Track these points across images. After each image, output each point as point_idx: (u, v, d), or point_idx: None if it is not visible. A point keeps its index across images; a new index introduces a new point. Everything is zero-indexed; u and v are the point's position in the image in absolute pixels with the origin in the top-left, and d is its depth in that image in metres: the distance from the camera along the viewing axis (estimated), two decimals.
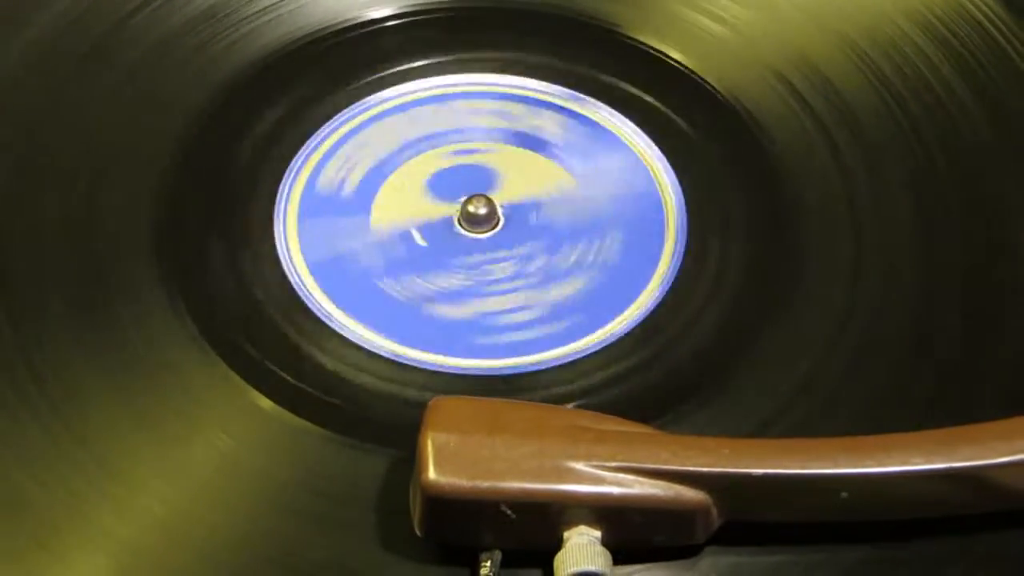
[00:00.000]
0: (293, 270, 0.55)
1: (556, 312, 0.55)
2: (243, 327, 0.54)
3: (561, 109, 0.61)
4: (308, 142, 0.59)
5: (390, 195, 0.58)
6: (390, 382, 0.53)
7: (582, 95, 0.61)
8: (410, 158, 0.59)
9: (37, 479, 0.49)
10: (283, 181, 0.58)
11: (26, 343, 0.52)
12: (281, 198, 0.57)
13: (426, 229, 0.57)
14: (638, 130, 0.60)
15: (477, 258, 0.56)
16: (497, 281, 0.56)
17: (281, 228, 0.57)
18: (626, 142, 0.59)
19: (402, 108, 0.61)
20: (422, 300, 0.55)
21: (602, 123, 0.60)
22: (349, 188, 0.58)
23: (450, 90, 0.61)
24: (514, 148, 0.59)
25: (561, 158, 0.59)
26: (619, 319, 0.54)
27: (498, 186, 0.58)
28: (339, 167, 0.58)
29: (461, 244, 0.57)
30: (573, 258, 0.56)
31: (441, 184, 0.58)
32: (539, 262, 0.56)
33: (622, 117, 0.60)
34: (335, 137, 0.59)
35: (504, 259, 0.56)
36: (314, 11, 0.63)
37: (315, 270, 0.55)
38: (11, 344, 0.52)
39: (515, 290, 0.55)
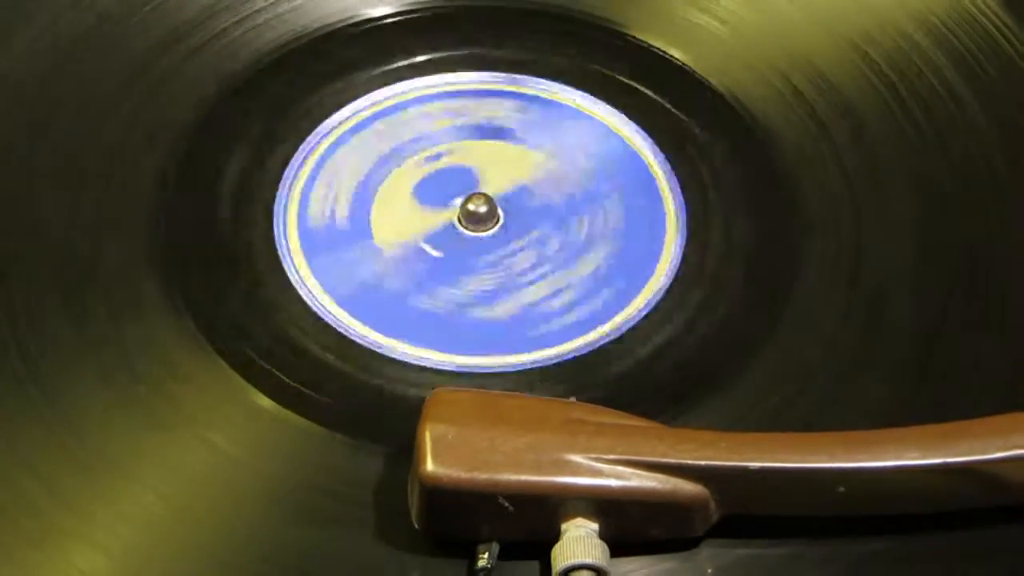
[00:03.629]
0: (320, 306, 0.55)
1: (596, 284, 0.55)
2: (243, 326, 0.54)
3: (506, 94, 0.61)
4: (283, 176, 0.59)
5: (384, 214, 0.58)
6: (375, 374, 0.53)
7: (519, 76, 0.61)
8: (387, 174, 0.59)
9: (36, 478, 0.49)
10: (276, 201, 0.58)
11: (26, 342, 0.52)
12: (278, 221, 0.57)
13: (434, 239, 0.57)
14: (589, 96, 0.61)
15: (496, 255, 0.56)
16: (524, 272, 0.56)
17: (284, 244, 0.57)
18: (583, 111, 0.60)
19: (360, 127, 0.60)
20: (461, 307, 0.55)
21: (552, 99, 0.60)
22: (341, 217, 0.57)
23: (397, 99, 0.61)
24: (479, 141, 0.60)
25: (527, 140, 0.60)
26: (649, 285, 0.55)
27: (481, 181, 0.58)
28: (323, 197, 0.58)
29: (474, 245, 0.57)
30: (584, 231, 0.57)
31: (428, 192, 0.58)
32: (555, 242, 0.57)
33: (569, 88, 0.61)
34: (307, 169, 0.59)
35: (521, 249, 0.57)
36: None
37: (345, 304, 0.55)
38: (11, 343, 0.52)
39: (546, 275, 0.56)
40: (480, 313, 0.55)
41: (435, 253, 0.56)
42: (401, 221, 0.57)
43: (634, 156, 0.59)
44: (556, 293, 0.55)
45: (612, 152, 0.59)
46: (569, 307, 0.55)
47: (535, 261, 0.56)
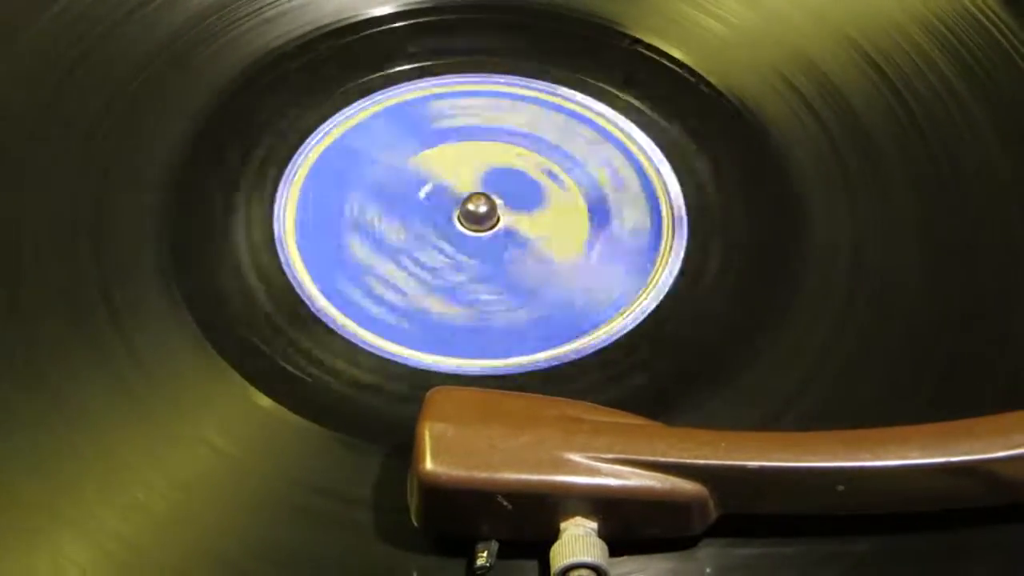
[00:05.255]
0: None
1: (413, 317, 0.55)
2: (242, 325, 0.54)
3: (653, 202, 0.59)
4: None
5: (459, 152, 0.59)
6: (373, 373, 0.53)
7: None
8: (504, 140, 0.60)
9: (36, 477, 0.49)
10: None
11: (25, 340, 0.52)
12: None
13: (437, 193, 0.58)
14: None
15: (435, 240, 0.57)
16: (416, 261, 0.56)
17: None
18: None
19: (516, 98, 0.61)
20: (357, 228, 0.56)
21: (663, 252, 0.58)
22: (443, 124, 0.59)
23: (566, 104, 0.61)
24: (583, 206, 0.58)
25: (601, 250, 0.57)
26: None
27: (543, 202, 0.58)
28: (458, 106, 0.60)
29: (439, 222, 0.57)
30: (484, 297, 0.56)
31: (496, 175, 0.59)
32: (458, 277, 0.56)
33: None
34: (468, 87, 0.61)
35: (441, 252, 0.57)
36: None
37: (305, 188, 0.57)
38: (11, 341, 0.52)
39: (411, 276, 0.56)
40: (352, 242, 0.56)
41: (422, 197, 0.57)
42: (446, 166, 0.58)
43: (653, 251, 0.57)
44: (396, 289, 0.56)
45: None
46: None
47: (433, 265, 0.56)
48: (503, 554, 0.47)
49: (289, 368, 0.53)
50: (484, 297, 0.55)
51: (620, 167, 0.59)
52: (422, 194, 0.58)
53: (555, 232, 0.57)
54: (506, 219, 0.57)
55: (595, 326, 0.54)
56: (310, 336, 0.54)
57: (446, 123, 0.60)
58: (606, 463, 0.46)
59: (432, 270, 0.56)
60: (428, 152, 0.59)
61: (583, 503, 0.46)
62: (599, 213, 0.58)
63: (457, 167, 0.59)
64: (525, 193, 0.58)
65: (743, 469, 0.46)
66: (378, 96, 0.61)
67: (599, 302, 0.55)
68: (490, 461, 0.46)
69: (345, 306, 0.55)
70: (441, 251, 0.56)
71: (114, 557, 0.47)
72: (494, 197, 0.57)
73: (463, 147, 0.60)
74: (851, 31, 0.62)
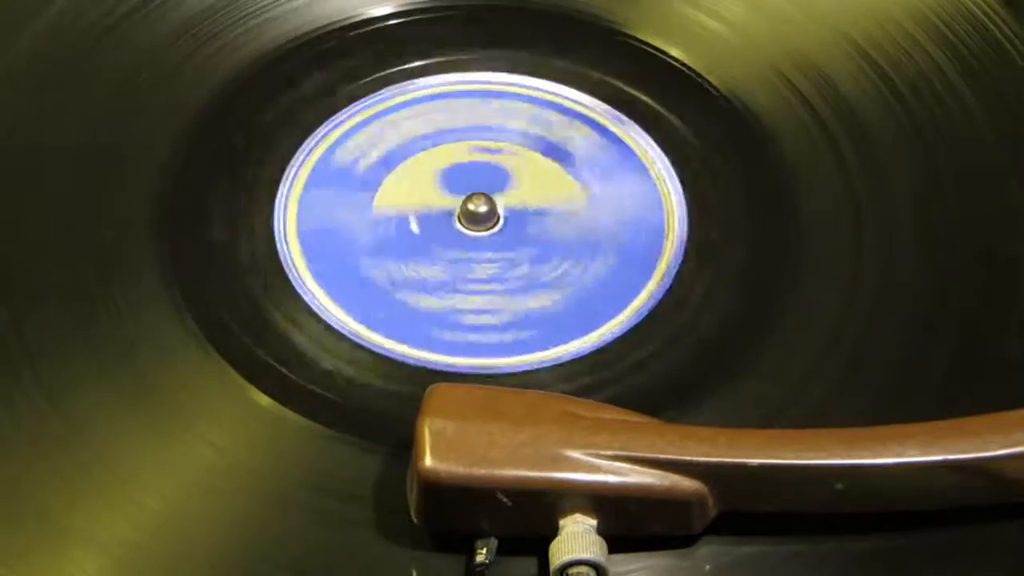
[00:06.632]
0: (283, 236, 0.56)
1: (521, 322, 0.55)
2: (242, 324, 0.54)
3: (596, 125, 0.60)
4: (337, 116, 0.60)
5: (401, 179, 0.58)
6: (369, 372, 0.53)
7: (622, 115, 0.60)
8: (433, 146, 0.59)
9: (35, 476, 0.49)
10: (290, 164, 0.59)
11: (25, 340, 0.52)
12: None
13: (424, 218, 0.57)
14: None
15: (463, 255, 0.56)
16: (475, 281, 0.56)
17: (283, 202, 0.57)
18: (649, 170, 0.59)
19: (439, 97, 0.61)
20: (396, 286, 0.55)
21: (632, 146, 0.60)
22: (364, 165, 0.58)
23: (486, 87, 0.61)
24: (538, 155, 0.59)
25: (581, 174, 0.59)
26: (583, 339, 0.54)
27: (509, 189, 0.58)
28: (361, 143, 0.59)
29: (452, 238, 0.57)
30: (557, 273, 0.56)
31: (453, 177, 0.58)
32: (522, 270, 0.56)
33: (653, 144, 0.60)
34: (365, 114, 0.60)
35: (488, 260, 0.56)
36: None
37: (304, 237, 0.56)
38: (10, 341, 0.52)
39: (488, 292, 0.55)
40: (410, 298, 0.55)
41: (414, 229, 0.57)
42: (411, 190, 0.58)
43: (658, 222, 0.58)
44: (481, 312, 0.55)
45: (644, 215, 0.58)
46: (486, 329, 0.55)
47: (490, 276, 0.56)
48: (502, 551, 0.47)
49: (290, 369, 0.53)
50: (559, 272, 0.56)
51: (635, 193, 0.59)
52: (414, 228, 0.57)
53: (543, 188, 0.58)
54: (499, 207, 0.58)
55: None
56: (312, 336, 0.54)
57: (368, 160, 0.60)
58: (606, 460, 0.46)
59: (501, 280, 0.56)
60: (380, 191, 0.58)
61: (582, 500, 0.46)
62: (557, 152, 0.59)
63: (415, 190, 0.58)
64: (488, 177, 0.58)
65: (743, 467, 0.46)
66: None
67: (646, 208, 0.57)
68: (490, 458, 0.46)
69: (324, 280, 0.55)
70: (486, 261, 0.56)
71: (118, 560, 0.48)
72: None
73: (519, 151, 0.60)
74: (851, 31, 0.62)
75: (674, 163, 0.59)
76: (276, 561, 0.48)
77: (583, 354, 0.54)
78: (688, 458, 0.46)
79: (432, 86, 0.61)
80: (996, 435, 0.47)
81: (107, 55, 0.61)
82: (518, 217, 0.58)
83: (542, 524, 0.46)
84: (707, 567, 0.48)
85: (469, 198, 0.57)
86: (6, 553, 0.47)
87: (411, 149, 0.59)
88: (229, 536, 0.48)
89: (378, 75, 0.61)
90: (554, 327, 0.54)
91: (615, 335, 0.54)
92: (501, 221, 0.57)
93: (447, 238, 0.57)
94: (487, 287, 0.56)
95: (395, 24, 0.63)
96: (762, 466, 0.46)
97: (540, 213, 0.58)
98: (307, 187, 0.58)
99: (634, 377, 0.53)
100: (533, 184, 0.58)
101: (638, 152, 0.59)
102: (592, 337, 0.54)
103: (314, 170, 0.59)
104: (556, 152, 0.59)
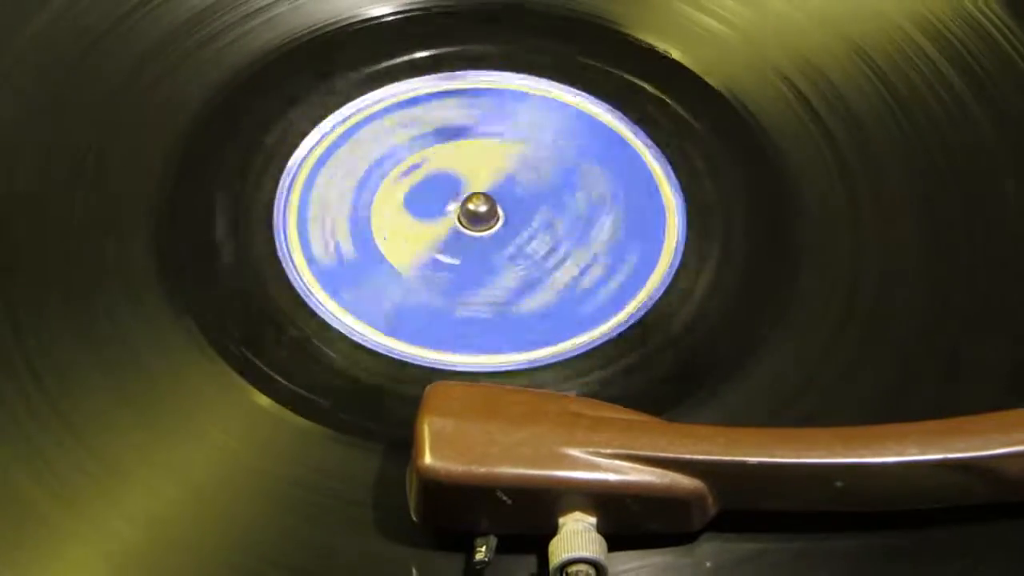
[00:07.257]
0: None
1: (617, 251, 0.56)
2: (243, 325, 0.54)
3: (448, 94, 0.61)
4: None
5: (388, 237, 0.57)
6: (369, 371, 0.53)
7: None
8: (371, 196, 0.58)
9: (35, 478, 0.49)
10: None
11: (26, 341, 0.52)
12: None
13: (446, 249, 0.57)
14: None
15: (511, 248, 0.56)
16: (546, 257, 0.56)
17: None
18: (528, 92, 0.60)
19: (327, 154, 0.59)
20: (504, 305, 0.55)
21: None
22: (348, 251, 0.57)
23: (358, 118, 0.60)
24: (444, 144, 0.59)
25: (490, 132, 0.60)
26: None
27: (467, 182, 0.58)
28: (321, 234, 0.57)
29: (485, 244, 0.57)
30: (583, 203, 0.57)
31: (420, 205, 0.58)
32: (561, 221, 0.57)
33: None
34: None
35: (532, 236, 0.57)
36: None
37: (387, 327, 0.55)
38: (10, 342, 0.52)
39: (568, 254, 0.56)
40: (525, 307, 0.55)
41: (452, 261, 0.56)
42: (407, 239, 0.57)
43: (598, 125, 0.60)
44: (585, 270, 0.56)
45: (575, 122, 0.60)
46: (605, 279, 0.55)
47: (552, 244, 0.56)
48: (502, 549, 0.47)
49: (290, 369, 0.53)
50: (603, 239, 0.57)
51: (545, 112, 0.60)
52: (454, 260, 0.57)
53: (489, 164, 0.59)
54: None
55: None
56: (311, 336, 0.54)
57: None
58: (605, 458, 0.46)
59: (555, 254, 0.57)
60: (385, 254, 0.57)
61: (582, 498, 0.46)
62: (451, 132, 0.60)
63: (408, 241, 0.57)
64: (443, 188, 0.58)
65: (742, 465, 0.46)
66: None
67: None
68: (489, 456, 0.46)
69: (435, 344, 0.54)
70: (522, 244, 0.57)
71: (118, 560, 0.48)
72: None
73: (432, 154, 0.59)
74: (851, 31, 0.62)
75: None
76: (276, 561, 0.48)
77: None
78: (688, 456, 0.46)
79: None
80: (996, 435, 0.47)
81: (107, 55, 0.61)
82: (500, 195, 0.58)
83: (542, 522, 0.46)
84: (708, 564, 0.48)
85: (467, 201, 0.57)
86: (6, 553, 0.47)
87: (362, 207, 0.58)
88: (229, 536, 0.48)
89: (377, 74, 0.61)
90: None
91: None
92: (500, 210, 0.57)
93: (480, 246, 0.56)
94: (562, 253, 0.56)
95: (395, 23, 0.63)
96: (762, 464, 0.46)
97: (510, 179, 0.58)
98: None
99: (634, 376, 0.53)
100: (475, 165, 0.59)
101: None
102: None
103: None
104: (451, 133, 0.60)
